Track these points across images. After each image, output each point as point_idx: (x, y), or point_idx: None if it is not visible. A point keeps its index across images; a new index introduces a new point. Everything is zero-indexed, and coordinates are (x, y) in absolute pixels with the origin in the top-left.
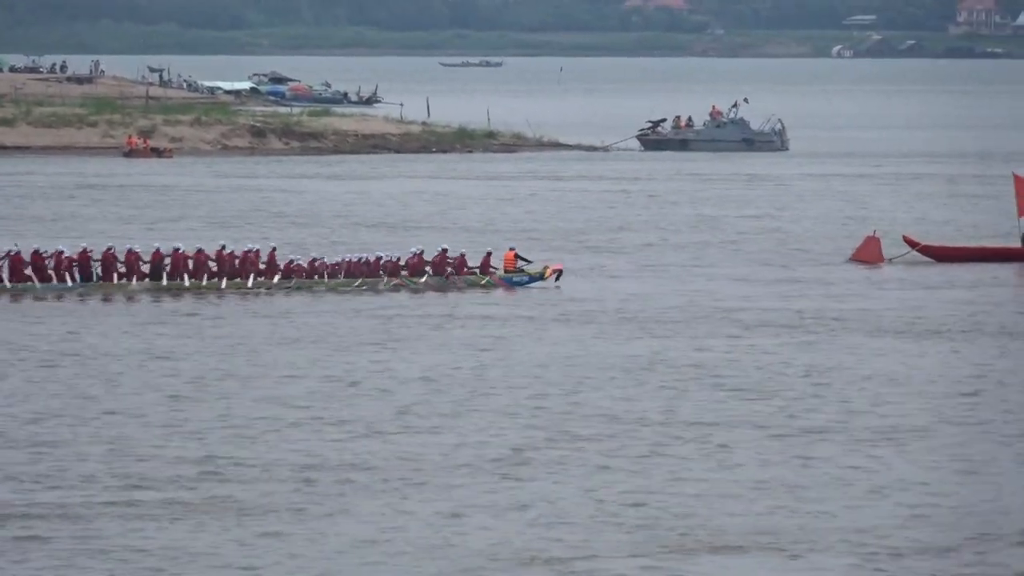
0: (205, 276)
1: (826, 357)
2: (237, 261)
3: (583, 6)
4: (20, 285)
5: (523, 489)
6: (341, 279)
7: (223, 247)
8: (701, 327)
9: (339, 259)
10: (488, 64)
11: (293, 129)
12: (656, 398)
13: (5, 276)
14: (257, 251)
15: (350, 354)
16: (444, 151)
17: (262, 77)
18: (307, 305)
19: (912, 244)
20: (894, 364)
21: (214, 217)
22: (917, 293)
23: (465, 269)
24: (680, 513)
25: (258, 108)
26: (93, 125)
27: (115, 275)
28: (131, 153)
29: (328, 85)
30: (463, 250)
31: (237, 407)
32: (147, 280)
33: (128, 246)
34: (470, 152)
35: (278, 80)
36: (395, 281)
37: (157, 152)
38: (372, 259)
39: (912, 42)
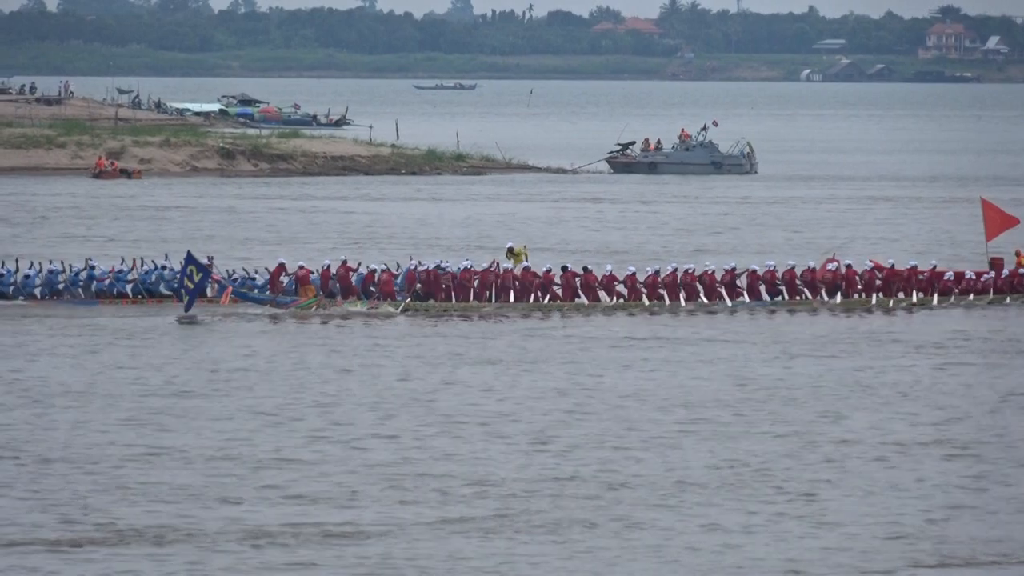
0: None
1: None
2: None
3: (553, 29)
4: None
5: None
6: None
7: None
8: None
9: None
10: (462, 87)
11: (262, 151)
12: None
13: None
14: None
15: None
16: (413, 173)
17: (231, 99)
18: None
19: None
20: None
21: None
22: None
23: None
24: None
25: (227, 130)
26: (62, 146)
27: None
28: (100, 174)
29: (297, 107)
30: None
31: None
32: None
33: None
34: (439, 174)
35: (247, 102)
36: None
37: (126, 173)
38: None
39: (881, 66)
